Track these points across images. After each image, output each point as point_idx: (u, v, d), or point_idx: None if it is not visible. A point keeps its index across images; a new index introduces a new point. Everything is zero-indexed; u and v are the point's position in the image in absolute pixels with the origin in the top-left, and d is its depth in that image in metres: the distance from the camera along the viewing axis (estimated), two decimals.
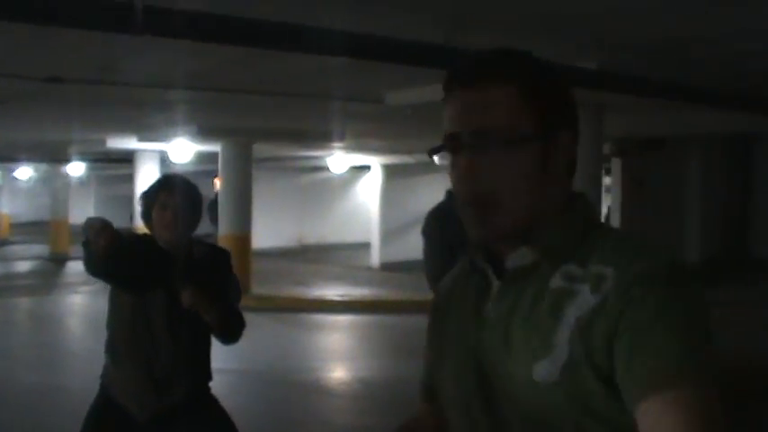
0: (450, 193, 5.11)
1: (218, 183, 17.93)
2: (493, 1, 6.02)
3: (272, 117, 14.20)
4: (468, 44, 6.58)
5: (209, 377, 4.24)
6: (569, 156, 1.57)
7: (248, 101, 11.42)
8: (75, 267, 24.50)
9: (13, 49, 7.40)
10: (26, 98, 10.97)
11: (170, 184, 4.05)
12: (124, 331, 4.03)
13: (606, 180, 19.79)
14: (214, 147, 17.26)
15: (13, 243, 33.80)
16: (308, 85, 9.76)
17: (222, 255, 4.35)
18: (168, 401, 3.98)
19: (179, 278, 3.89)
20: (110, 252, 3.54)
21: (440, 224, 5.12)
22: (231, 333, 4.14)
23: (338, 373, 11.41)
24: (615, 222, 18.85)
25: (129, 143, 19.20)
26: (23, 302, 17.89)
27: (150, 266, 3.92)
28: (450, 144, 1.55)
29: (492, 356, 1.53)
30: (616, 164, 19.10)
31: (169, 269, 3.93)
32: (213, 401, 4.20)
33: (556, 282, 1.49)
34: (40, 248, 29.41)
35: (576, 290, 1.45)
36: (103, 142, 19.42)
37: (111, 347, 4.09)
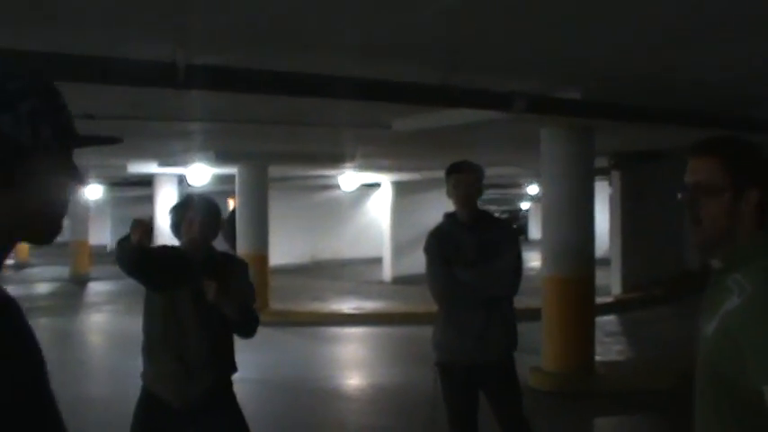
0: (447, 216, 5.80)
1: (231, 202, 18.46)
2: (482, 48, 6.81)
3: (285, 142, 14.77)
4: (462, 83, 7.45)
5: (233, 368, 4.95)
6: (756, 205, 2.41)
7: (263, 129, 12.04)
8: (97, 288, 25.18)
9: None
10: None
11: (195, 202, 4.88)
12: (157, 328, 4.78)
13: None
14: (230, 169, 17.91)
15: (33, 266, 34.17)
16: (320, 115, 10.41)
17: (240, 262, 5.19)
18: (199, 388, 4.71)
19: (202, 277, 4.62)
20: (143, 245, 4.45)
21: (438, 242, 5.67)
22: (248, 327, 4.86)
23: (353, 380, 12.10)
24: (615, 234, 19.40)
25: (150, 168, 19.89)
26: (48, 322, 18.23)
27: (176, 267, 4.74)
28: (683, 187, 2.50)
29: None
30: (615, 176, 19.40)
31: (193, 271, 4.70)
32: (233, 398, 4.93)
33: (727, 283, 2.34)
34: (61, 270, 29.76)
35: (731, 292, 2.31)
36: (124, 167, 20.05)
37: (148, 346, 4.84)
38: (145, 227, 4.58)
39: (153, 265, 4.72)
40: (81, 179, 1.64)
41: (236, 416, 4.91)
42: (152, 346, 4.82)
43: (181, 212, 4.82)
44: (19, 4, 5.20)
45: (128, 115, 9.75)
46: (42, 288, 26.02)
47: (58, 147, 1.58)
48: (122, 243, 4.59)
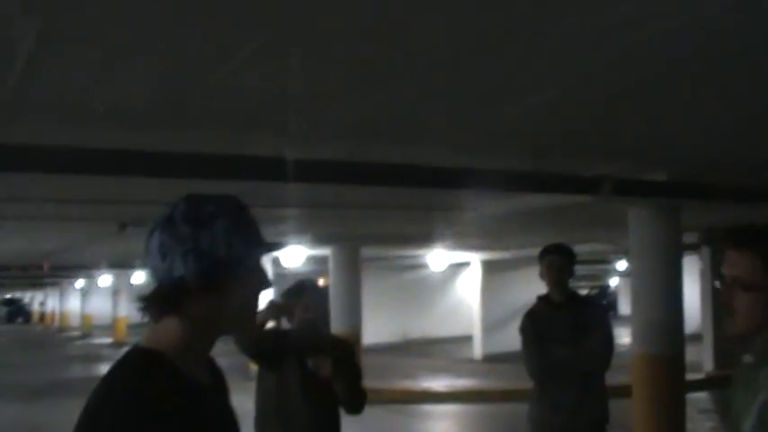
0: (540, 297, 6.12)
1: (322, 282, 18.83)
2: (570, 136, 7.19)
3: (378, 224, 15.05)
4: (556, 169, 7.80)
5: None
6: None
7: (357, 212, 12.41)
8: None
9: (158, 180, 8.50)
10: (147, 222, 11.88)
11: (311, 288, 5.28)
12: (269, 404, 5.13)
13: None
14: (323, 250, 18.32)
15: (131, 344, 35.07)
16: (411, 199, 10.65)
17: (346, 342, 5.51)
18: None
19: (319, 355, 4.96)
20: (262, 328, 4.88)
21: (532, 323, 5.99)
22: (357, 404, 5.15)
23: None
24: (707, 309, 19.30)
25: None
26: None
27: (287, 348, 5.11)
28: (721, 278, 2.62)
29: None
30: (705, 252, 19.31)
31: (303, 352, 5.05)
32: None
33: (760, 379, 2.45)
34: None
35: (764, 387, 2.42)
36: None
37: (260, 420, 5.17)
38: (278, 310, 5.05)
39: (265, 348, 5.11)
40: (268, 282, 2.07)
41: None
42: (264, 421, 5.15)
43: (296, 297, 5.21)
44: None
45: (231, 195, 10.19)
46: None
47: (250, 255, 2.01)
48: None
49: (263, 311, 5.04)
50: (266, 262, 12.55)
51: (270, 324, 5.25)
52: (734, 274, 2.54)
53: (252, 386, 5.32)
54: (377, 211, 12.05)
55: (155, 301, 1.98)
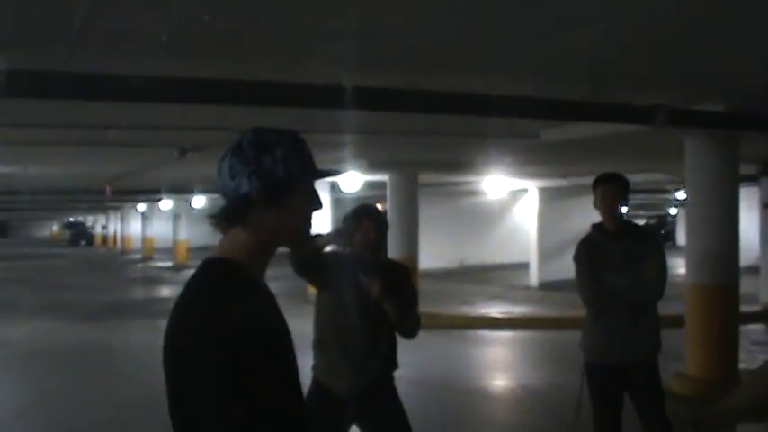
0: (594, 226, 6.18)
1: (380, 208, 18.86)
2: (627, 64, 7.18)
3: (436, 151, 15.20)
4: (612, 98, 7.81)
5: (395, 363, 5.43)
6: None
7: (415, 139, 12.51)
8: None
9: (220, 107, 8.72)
10: (222, 145, 12.19)
11: (371, 214, 5.39)
12: (326, 325, 5.31)
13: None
14: (381, 176, 18.46)
15: (191, 267, 35.65)
16: (471, 126, 10.73)
17: (403, 266, 5.74)
18: (362, 380, 5.20)
19: (370, 277, 5.13)
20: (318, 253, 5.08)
21: (587, 251, 6.06)
22: (410, 327, 5.34)
23: (502, 381, 12.55)
24: (765, 241, 19.12)
25: None
26: None
27: (342, 271, 5.24)
28: None
29: None
30: (765, 183, 18.99)
31: (359, 273, 5.18)
32: (394, 390, 5.42)
33: None
34: None
35: None
36: None
37: (318, 341, 5.36)
38: (341, 234, 5.22)
39: (322, 269, 5.27)
40: (320, 204, 2.42)
41: (397, 406, 5.36)
42: (322, 341, 5.32)
43: (356, 221, 5.34)
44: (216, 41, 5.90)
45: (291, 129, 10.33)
46: None
47: (304, 179, 2.38)
48: (298, 252, 5.13)
49: (327, 235, 5.23)
50: (323, 188, 12.86)
51: (331, 247, 5.41)
52: None
53: (310, 309, 5.49)
54: (434, 137, 12.11)
55: (224, 215, 2.36)
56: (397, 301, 5.16)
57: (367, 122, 9.81)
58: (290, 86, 6.27)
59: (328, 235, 5.26)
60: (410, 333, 5.38)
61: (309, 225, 2.46)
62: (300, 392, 2.38)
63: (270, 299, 2.35)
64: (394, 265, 5.62)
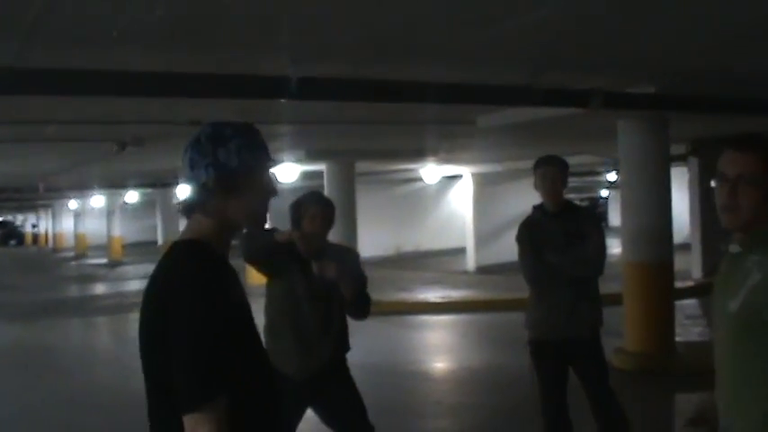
0: (535, 207, 6.33)
1: None
2: (564, 51, 7.39)
3: (372, 139, 15.28)
4: (543, 83, 8.01)
5: (347, 346, 5.59)
6: None
7: (352, 128, 12.56)
8: None
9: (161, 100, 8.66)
10: (162, 138, 12.19)
11: (316, 200, 5.50)
12: (278, 311, 5.42)
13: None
14: (318, 166, 18.42)
15: (126, 264, 35.48)
16: (407, 114, 10.90)
17: (352, 250, 5.93)
18: (316, 363, 5.33)
19: (323, 260, 5.28)
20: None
21: (529, 231, 6.21)
22: (363, 307, 5.50)
23: (445, 363, 12.76)
24: (695, 219, 19.61)
25: None
26: None
27: (290, 256, 5.34)
28: (722, 177, 2.91)
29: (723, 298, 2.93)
30: (693, 162, 19.65)
31: (310, 258, 5.33)
32: (348, 372, 5.58)
33: (746, 264, 2.77)
34: (151, 268, 30.94)
35: (751, 271, 2.73)
36: None
37: (269, 328, 5.43)
38: (294, 233, 5.31)
39: (274, 257, 5.38)
40: (275, 189, 2.69)
41: (351, 388, 5.52)
42: (273, 328, 5.42)
43: (302, 208, 5.45)
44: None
45: (246, 122, 10.27)
46: (139, 285, 26.90)
47: (258, 168, 2.65)
48: (253, 235, 5.23)
49: (282, 233, 5.30)
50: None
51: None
52: (739, 171, 2.83)
53: (260, 302, 5.61)
54: (371, 126, 12.19)
55: (187, 203, 2.66)
56: (352, 281, 5.30)
57: (306, 112, 9.88)
58: (235, 78, 6.36)
59: (282, 233, 5.30)
60: (363, 313, 5.53)
61: (266, 209, 2.75)
62: (263, 349, 2.78)
63: (233, 272, 2.65)
64: (343, 249, 5.76)
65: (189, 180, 2.62)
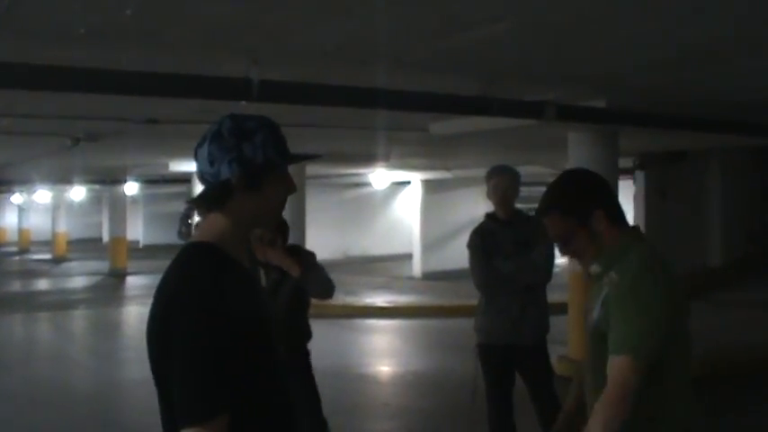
0: (487, 215, 6.49)
1: None
2: (518, 65, 7.56)
3: (323, 143, 15.06)
4: (497, 93, 8.17)
5: (307, 336, 6.16)
6: (605, 219, 3.15)
7: (303, 131, 12.43)
8: (135, 281, 26.02)
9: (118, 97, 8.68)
10: (117, 136, 12.21)
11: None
12: None
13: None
14: None
15: (70, 260, 35.31)
16: (358, 119, 10.89)
17: (307, 250, 6.38)
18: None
19: (287, 261, 5.71)
20: None
21: (480, 239, 6.35)
22: (324, 288, 5.85)
23: (392, 367, 12.90)
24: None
25: (191, 166, 20.48)
26: (94, 313, 19.41)
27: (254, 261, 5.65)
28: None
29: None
30: (640, 176, 19.86)
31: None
32: (309, 365, 6.07)
33: (604, 281, 3.10)
34: (99, 264, 30.76)
35: (606, 286, 3.07)
36: (166, 166, 20.33)
37: None
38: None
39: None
40: (294, 187, 2.55)
41: (310, 380, 6.03)
42: None
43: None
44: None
45: (193, 121, 10.33)
46: (84, 281, 26.99)
47: (280, 163, 2.49)
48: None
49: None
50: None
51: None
52: (553, 234, 3.25)
53: None
54: (323, 129, 12.21)
55: (204, 201, 2.48)
56: (315, 276, 5.72)
57: (263, 114, 9.92)
58: (196, 78, 6.43)
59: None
60: (326, 294, 5.90)
61: (283, 208, 2.59)
62: (279, 361, 2.59)
63: (249, 279, 2.51)
64: (300, 249, 6.13)
65: (208, 176, 2.44)
